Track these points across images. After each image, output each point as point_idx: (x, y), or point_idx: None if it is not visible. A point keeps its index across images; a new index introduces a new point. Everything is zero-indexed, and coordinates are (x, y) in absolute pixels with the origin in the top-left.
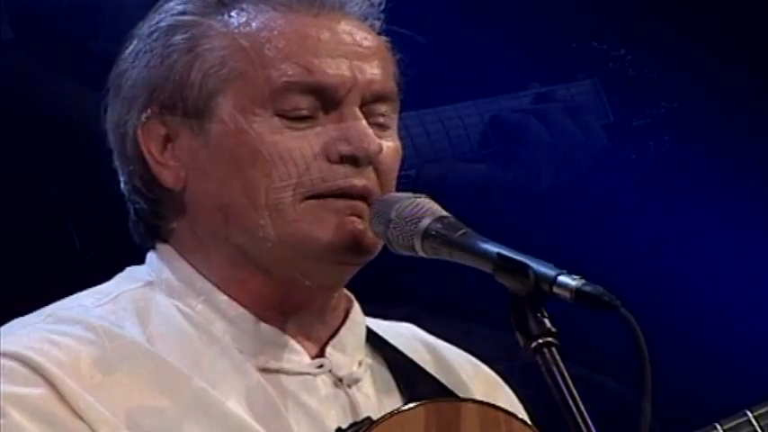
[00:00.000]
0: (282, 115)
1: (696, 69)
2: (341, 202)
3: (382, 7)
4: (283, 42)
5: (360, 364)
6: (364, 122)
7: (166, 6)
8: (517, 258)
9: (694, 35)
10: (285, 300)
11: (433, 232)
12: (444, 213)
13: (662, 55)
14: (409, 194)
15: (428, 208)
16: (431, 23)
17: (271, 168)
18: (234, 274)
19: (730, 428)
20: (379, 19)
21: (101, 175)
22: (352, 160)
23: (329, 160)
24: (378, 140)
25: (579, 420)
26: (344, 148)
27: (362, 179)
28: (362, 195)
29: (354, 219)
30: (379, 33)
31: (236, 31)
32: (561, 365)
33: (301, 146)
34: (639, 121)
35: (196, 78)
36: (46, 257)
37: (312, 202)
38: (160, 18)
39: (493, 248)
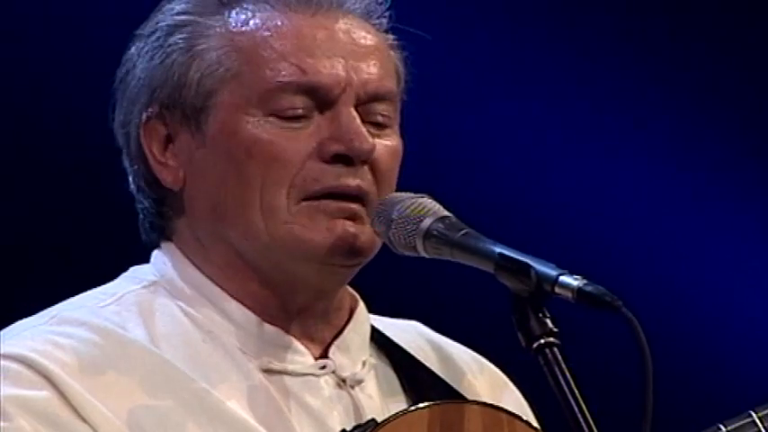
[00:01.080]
0: (276, 115)
1: (698, 74)
2: (334, 205)
3: (386, 5)
4: (279, 42)
5: (363, 364)
6: (358, 121)
7: (167, 6)
8: (519, 258)
9: (693, 36)
10: (286, 302)
11: (435, 232)
12: (446, 213)
13: (666, 61)
14: (411, 194)
15: (430, 208)
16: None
17: (264, 169)
18: (232, 275)
19: (734, 429)
20: (383, 16)
21: (103, 174)
22: (345, 159)
23: (322, 160)
24: (371, 139)
25: (581, 420)
26: (336, 148)
27: (356, 179)
28: (357, 196)
29: (345, 222)
30: (386, 31)
31: (234, 30)
32: (563, 365)
33: (295, 146)
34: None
35: (194, 78)
36: (46, 257)
37: (306, 204)
38: (160, 18)
39: (494, 248)
